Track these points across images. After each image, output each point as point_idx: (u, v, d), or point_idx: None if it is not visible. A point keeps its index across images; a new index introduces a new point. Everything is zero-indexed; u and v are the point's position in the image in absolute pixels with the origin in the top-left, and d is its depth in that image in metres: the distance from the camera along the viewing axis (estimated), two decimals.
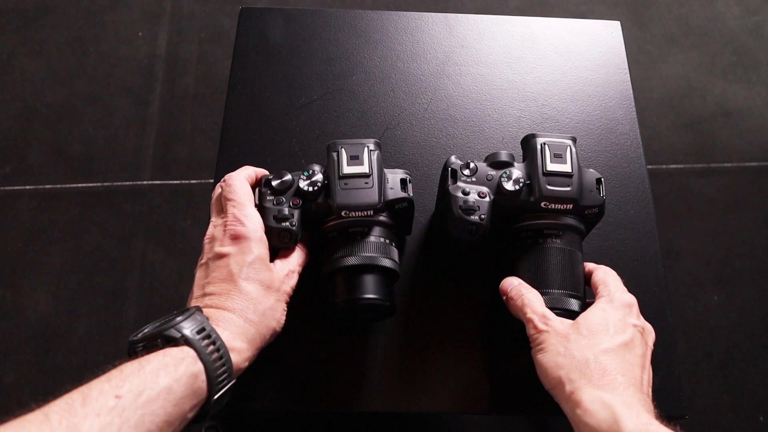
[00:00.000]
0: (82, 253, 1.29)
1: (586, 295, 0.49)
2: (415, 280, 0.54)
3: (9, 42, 1.53)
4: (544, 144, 0.48)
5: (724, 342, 1.23)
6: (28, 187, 1.36)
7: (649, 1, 1.65)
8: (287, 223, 0.47)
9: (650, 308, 0.54)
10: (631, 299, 0.46)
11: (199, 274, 0.45)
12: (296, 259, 0.48)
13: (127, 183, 1.37)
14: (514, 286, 0.47)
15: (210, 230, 0.46)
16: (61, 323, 1.23)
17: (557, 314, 0.45)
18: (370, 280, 0.46)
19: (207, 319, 0.39)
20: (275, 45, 0.67)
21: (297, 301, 0.52)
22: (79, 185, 1.36)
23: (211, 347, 0.38)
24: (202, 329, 0.38)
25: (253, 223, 0.45)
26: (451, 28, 0.69)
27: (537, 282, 0.46)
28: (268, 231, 0.47)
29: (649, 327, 0.46)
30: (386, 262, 0.46)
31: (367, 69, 0.66)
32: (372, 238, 0.46)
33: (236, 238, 0.44)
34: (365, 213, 0.46)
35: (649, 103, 1.50)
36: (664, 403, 0.49)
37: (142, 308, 1.24)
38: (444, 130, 0.62)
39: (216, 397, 0.38)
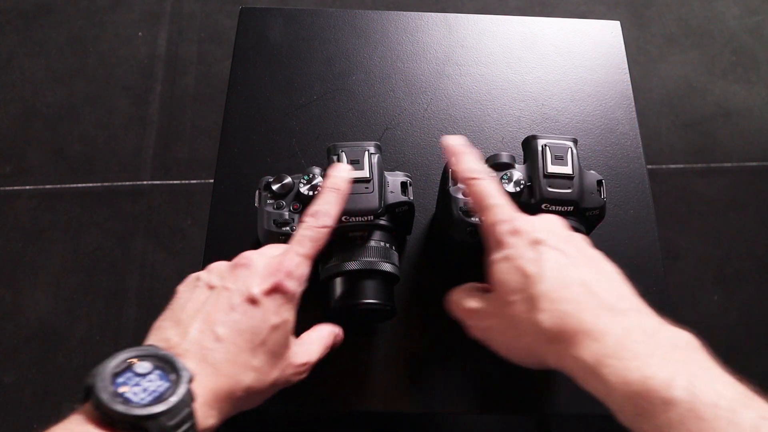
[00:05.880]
0: (82, 253, 1.29)
1: None
2: (415, 281, 0.54)
3: (9, 42, 1.53)
4: (545, 146, 0.48)
5: (724, 342, 1.23)
6: (27, 187, 1.36)
7: (649, 1, 1.65)
8: (287, 228, 0.46)
9: (650, 308, 0.54)
10: (503, 226, 0.38)
11: (212, 298, 0.36)
12: (318, 352, 0.41)
13: (127, 183, 1.37)
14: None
15: (257, 255, 0.38)
16: (61, 323, 1.23)
17: None
18: (370, 285, 0.46)
19: (194, 403, 0.31)
20: (275, 45, 0.67)
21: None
22: (79, 185, 1.36)
23: None
24: (183, 422, 0.29)
25: (300, 284, 0.37)
26: (451, 28, 0.69)
27: None
28: (268, 235, 0.47)
29: (552, 233, 0.37)
30: (387, 267, 0.46)
31: (367, 69, 0.66)
32: (372, 243, 0.46)
33: (278, 289, 0.36)
34: (365, 218, 0.46)
35: (649, 103, 1.50)
36: None
37: (142, 308, 1.24)
38: (444, 130, 0.62)
39: None
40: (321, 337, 0.42)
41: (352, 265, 0.46)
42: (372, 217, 0.46)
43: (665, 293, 0.56)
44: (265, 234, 0.47)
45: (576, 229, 0.48)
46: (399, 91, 0.64)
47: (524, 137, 0.50)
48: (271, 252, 0.39)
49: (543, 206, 0.47)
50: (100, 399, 0.28)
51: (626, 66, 0.67)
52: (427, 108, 0.64)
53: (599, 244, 0.57)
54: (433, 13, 0.70)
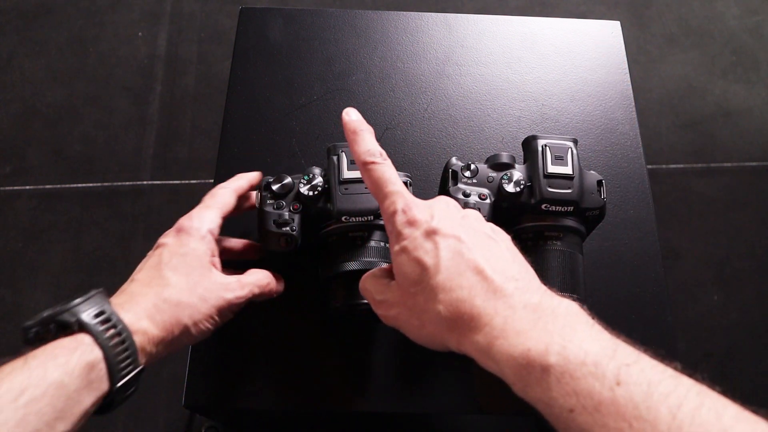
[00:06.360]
0: (82, 253, 1.29)
1: (587, 296, 0.49)
2: None
3: (9, 42, 1.53)
4: (545, 146, 0.48)
5: (724, 342, 1.23)
6: (27, 187, 1.36)
7: (649, 1, 1.65)
8: (287, 228, 0.46)
9: (650, 308, 0.54)
10: (403, 212, 0.37)
11: (140, 265, 0.43)
12: (256, 277, 0.45)
13: (127, 183, 1.37)
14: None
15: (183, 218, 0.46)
16: None
17: None
18: None
19: (110, 303, 0.37)
20: (275, 45, 0.67)
21: (297, 302, 0.52)
22: (79, 185, 1.36)
23: (111, 331, 0.35)
24: (101, 312, 0.35)
25: (200, 222, 0.44)
26: (451, 28, 0.69)
27: None
28: (268, 235, 0.46)
29: (444, 223, 0.37)
30: (387, 267, 0.46)
31: (367, 69, 0.66)
32: (372, 243, 0.46)
33: (179, 231, 0.44)
34: (365, 218, 0.46)
35: (649, 103, 1.50)
36: None
37: None
38: (444, 130, 0.62)
39: (120, 385, 0.35)
40: (260, 270, 0.47)
41: (352, 265, 0.46)
42: (372, 217, 0.46)
43: (665, 293, 0.56)
44: (265, 234, 0.47)
45: (576, 230, 0.48)
46: (399, 91, 0.64)
47: (524, 137, 0.50)
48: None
49: (543, 206, 0.47)
50: (23, 328, 0.35)
51: (626, 66, 0.67)
52: (427, 108, 0.64)
53: (600, 244, 0.57)
54: (433, 13, 0.70)
